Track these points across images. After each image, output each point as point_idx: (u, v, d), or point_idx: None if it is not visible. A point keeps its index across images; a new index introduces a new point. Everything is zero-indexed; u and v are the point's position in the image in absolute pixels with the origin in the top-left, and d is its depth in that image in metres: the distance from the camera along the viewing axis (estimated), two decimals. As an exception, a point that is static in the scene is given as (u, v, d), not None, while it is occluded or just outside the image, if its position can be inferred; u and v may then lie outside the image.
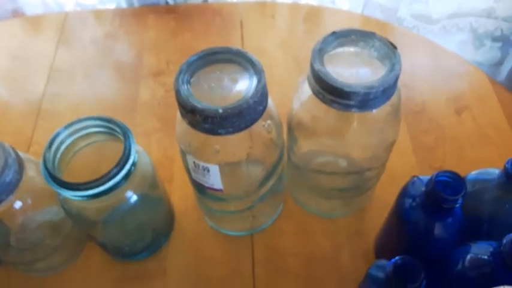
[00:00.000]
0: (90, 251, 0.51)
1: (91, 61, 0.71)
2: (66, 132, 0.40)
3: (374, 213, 0.52)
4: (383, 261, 0.40)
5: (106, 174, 0.37)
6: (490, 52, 0.85)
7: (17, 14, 0.81)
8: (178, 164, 0.55)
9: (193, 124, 0.36)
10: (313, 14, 0.77)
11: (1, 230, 0.42)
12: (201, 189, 0.44)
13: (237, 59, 0.37)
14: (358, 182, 0.48)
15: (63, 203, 0.41)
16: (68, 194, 0.37)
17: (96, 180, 0.36)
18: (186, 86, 0.36)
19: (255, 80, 0.36)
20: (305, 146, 0.46)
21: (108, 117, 0.41)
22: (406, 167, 0.56)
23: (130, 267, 0.50)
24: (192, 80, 0.36)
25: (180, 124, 0.38)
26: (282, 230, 0.53)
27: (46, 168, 0.37)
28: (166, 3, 0.79)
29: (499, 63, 0.86)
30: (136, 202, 0.42)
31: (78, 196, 0.37)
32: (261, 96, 0.35)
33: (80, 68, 0.70)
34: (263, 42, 0.72)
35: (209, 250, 0.52)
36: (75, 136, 0.40)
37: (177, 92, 0.35)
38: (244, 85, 0.36)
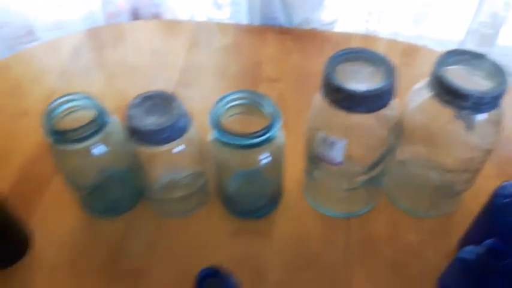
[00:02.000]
0: (212, 205, 0.62)
1: (217, 63, 0.84)
2: (228, 98, 0.51)
3: (460, 218, 0.58)
4: (471, 247, 0.47)
5: (262, 129, 0.47)
6: None
7: (156, 17, 0.97)
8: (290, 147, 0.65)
9: (335, 102, 0.45)
10: (410, 50, 0.86)
11: (156, 167, 0.54)
12: (318, 164, 0.53)
13: (373, 58, 0.47)
14: (451, 183, 0.55)
15: (213, 149, 0.52)
16: (235, 141, 0.48)
17: (255, 132, 0.47)
18: (333, 70, 0.46)
19: (387, 74, 0.45)
20: (412, 144, 0.54)
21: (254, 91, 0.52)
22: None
23: (243, 224, 0.60)
24: (336, 68, 0.47)
25: (316, 105, 0.49)
26: (375, 219, 0.60)
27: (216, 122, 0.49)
28: (282, 26, 0.92)
29: None
30: (267, 164, 0.52)
31: (236, 145, 0.48)
32: (391, 87, 0.45)
33: (207, 69, 0.83)
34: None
35: (309, 225, 0.60)
36: (234, 103, 0.51)
37: (328, 74, 0.45)
38: (378, 77, 0.46)
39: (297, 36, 0.88)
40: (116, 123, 0.53)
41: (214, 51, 0.86)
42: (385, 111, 0.47)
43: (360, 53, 0.48)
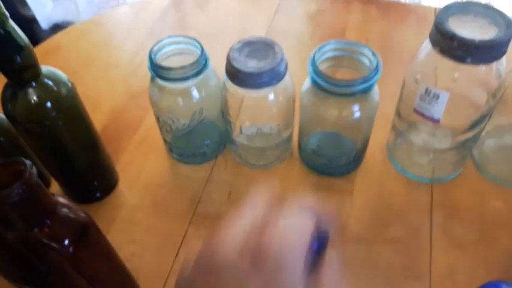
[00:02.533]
0: (293, 160, 0.62)
1: (301, 29, 0.84)
2: (327, 47, 0.51)
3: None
4: None
5: (361, 78, 0.47)
6: None
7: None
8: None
9: (445, 51, 0.44)
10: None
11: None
12: (412, 121, 0.52)
13: (487, 11, 0.45)
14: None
15: (306, 99, 0.52)
16: (334, 87, 0.48)
17: (354, 80, 0.47)
18: (446, 19, 0.44)
19: (503, 26, 0.43)
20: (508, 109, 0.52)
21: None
22: None
23: (323, 181, 0.60)
24: (448, 19, 0.45)
25: (423, 54, 0.47)
26: (460, 186, 0.58)
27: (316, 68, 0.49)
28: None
29: None
30: (359, 118, 0.51)
31: (334, 92, 0.48)
32: (508, 38, 0.43)
33: (291, 35, 0.82)
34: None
35: (392, 186, 0.59)
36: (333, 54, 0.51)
37: (439, 23, 0.44)
38: (491, 30, 0.44)
39: (382, 6, 0.86)
40: (212, 71, 0.55)
41: (299, 18, 0.86)
42: (496, 66, 0.45)
43: (473, 6, 0.46)
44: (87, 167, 0.55)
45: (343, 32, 0.81)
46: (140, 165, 0.63)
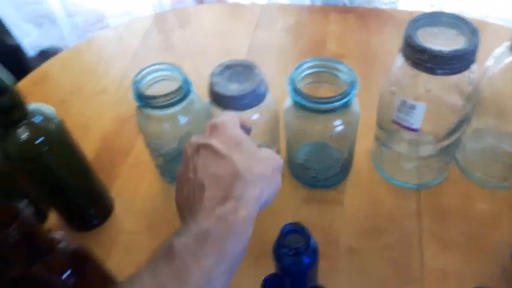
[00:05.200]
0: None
1: (282, 43, 0.86)
2: (305, 65, 0.53)
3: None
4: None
5: (339, 94, 0.49)
6: None
7: (220, 1, 1.00)
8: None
9: (416, 64, 0.46)
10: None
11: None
12: (392, 132, 0.54)
13: (453, 21, 0.47)
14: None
15: (288, 117, 0.53)
16: (313, 104, 0.50)
17: (333, 96, 0.48)
18: (414, 32, 0.46)
19: (470, 35, 0.45)
20: (486, 112, 0.54)
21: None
22: None
23: (313, 193, 0.61)
24: (417, 32, 0.47)
25: (395, 69, 0.49)
26: (447, 190, 0.60)
27: (295, 87, 0.50)
28: (344, 4, 0.92)
29: None
30: (341, 131, 0.53)
31: (314, 109, 0.49)
32: (475, 47, 0.45)
33: (272, 49, 0.84)
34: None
35: (380, 194, 0.61)
36: (310, 71, 0.53)
37: (408, 37, 0.46)
38: (459, 40, 0.46)
39: (359, 15, 0.89)
40: (196, 94, 0.56)
41: (278, 32, 0.88)
42: (467, 74, 0.47)
43: (440, 16, 0.48)
44: (82, 196, 0.56)
45: (323, 43, 0.83)
46: (134, 190, 0.64)
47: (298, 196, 0.61)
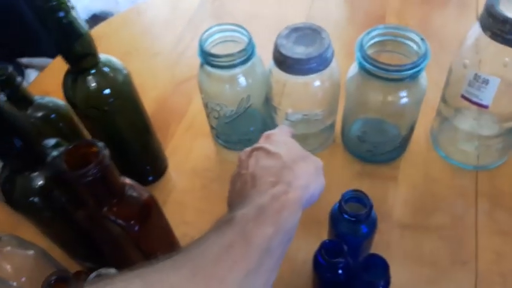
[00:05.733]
0: (335, 147, 0.63)
1: (340, 14, 0.84)
2: (375, 32, 0.51)
3: None
4: None
5: (410, 64, 0.47)
6: None
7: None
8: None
9: (496, 35, 0.44)
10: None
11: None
12: (458, 107, 0.52)
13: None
14: None
15: (353, 85, 0.52)
16: (382, 72, 0.48)
17: (403, 65, 0.47)
18: (497, 2, 0.44)
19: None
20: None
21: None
22: None
23: (367, 167, 0.60)
24: (501, 1, 0.45)
25: (471, 39, 0.47)
26: (505, 174, 0.58)
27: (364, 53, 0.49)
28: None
29: None
30: (406, 104, 0.52)
31: (382, 77, 0.48)
32: None
33: (330, 18, 0.83)
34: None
35: (436, 173, 0.59)
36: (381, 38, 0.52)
37: (490, 6, 0.44)
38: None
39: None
40: (258, 59, 0.56)
41: (337, 4, 0.86)
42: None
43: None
44: (140, 151, 0.57)
45: (382, 18, 0.81)
46: (187, 151, 0.65)
47: (351, 169, 0.61)
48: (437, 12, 0.82)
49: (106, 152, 0.34)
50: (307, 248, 0.51)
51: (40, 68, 0.98)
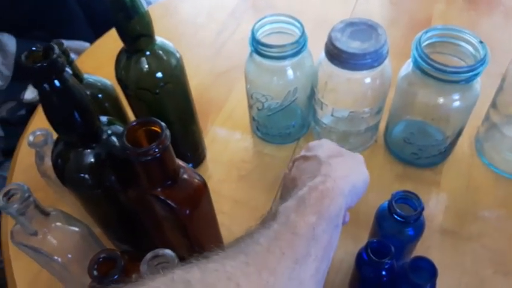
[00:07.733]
0: (377, 147, 0.62)
1: (384, 15, 0.83)
2: (430, 33, 0.50)
3: None
4: None
5: (467, 66, 0.46)
6: None
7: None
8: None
9: None
10: None
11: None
12: (509, 116, 0.51)
13: None
14: None
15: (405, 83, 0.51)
16: (439, 72, 0.47)
17: (460, 67, 0.46)
18: None
19: None
20: None
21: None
22: None
23: (409, 170, 0.59)
24: None
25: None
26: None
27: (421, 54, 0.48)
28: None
29: None
30: (458, 108, 0.51)
31: (437, 77, 0.47)
32: None
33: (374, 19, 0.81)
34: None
35: (479, 181, 0.58)
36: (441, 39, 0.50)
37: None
38: None
39: (469, -3, 0.84)
40: (308, 52, 0.55)
41: (382, 5, 0.85)
42: None
43: None
44: (184, 137, 0.57)
45: (428, 21, 0.80)
46: (225, 142, 0.65)
47: (392, 172, 0.60)
48: (484, 19, 0.80)
49: (167, 132, 0.34)
50: (344, 247, 0.51)
51: (76, 51, 0.99)
